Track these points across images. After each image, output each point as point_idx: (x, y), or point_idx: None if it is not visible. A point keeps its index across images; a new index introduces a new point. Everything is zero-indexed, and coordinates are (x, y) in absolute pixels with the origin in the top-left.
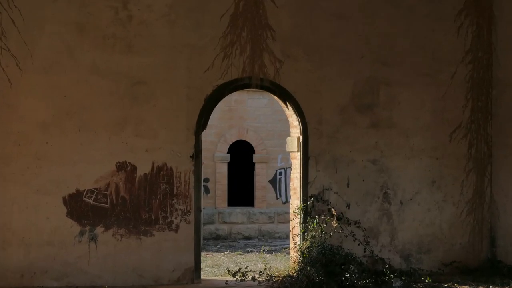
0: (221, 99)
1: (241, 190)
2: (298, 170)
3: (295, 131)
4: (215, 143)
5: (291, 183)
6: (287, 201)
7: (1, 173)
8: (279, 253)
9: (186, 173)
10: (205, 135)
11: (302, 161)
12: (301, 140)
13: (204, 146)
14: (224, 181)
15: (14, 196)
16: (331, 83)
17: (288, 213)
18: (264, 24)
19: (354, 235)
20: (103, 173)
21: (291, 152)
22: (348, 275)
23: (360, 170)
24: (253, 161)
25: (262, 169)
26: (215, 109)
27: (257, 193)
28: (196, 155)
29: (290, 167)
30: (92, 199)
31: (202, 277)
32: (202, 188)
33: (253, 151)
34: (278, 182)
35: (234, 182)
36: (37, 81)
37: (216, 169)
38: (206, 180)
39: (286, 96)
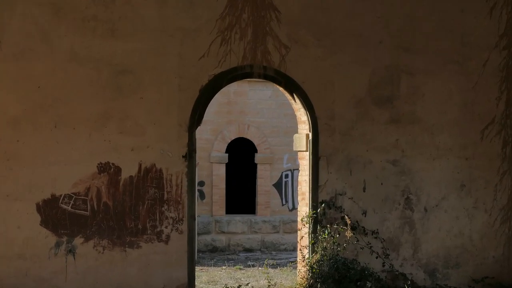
0: (218, 91)
1: (241, 195)
2: (307, 172)
3: (304, 128)
4: (211, 141)
5: (298, 187)
6: (294, 208)
7: None
8: (285, 267)
9: (178, 176)
10: (200, 132)
11: (312, 162)
12: (310, 137)
13: (198, 144)
14: (222, 184)
15: None
16: (345, 72)
17: (295, 221)
18: (267, 4)
19: (371, 246)
20: (83, 176)
21: (299, 151)
22: None
23: (378, 172)
24: (255, 161)
25: (266, 171)
26: (211, 102)
27: (260, 198)
28: (190, 155)
29: (297, 169)
30: (70, 205)
31: None
32: (197, 193)
33: (255, 151)
34: (284, 186)
35: (233, 186)
36: (6, 70)
37: (213, 171)
38: (201, 183)
39: (293, 87)
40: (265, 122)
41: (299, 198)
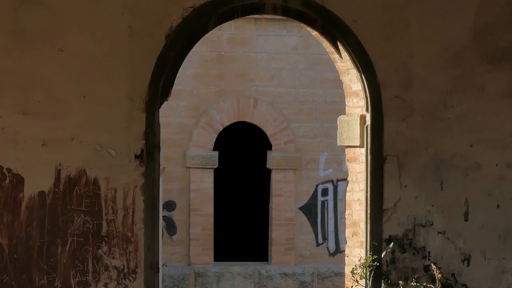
0: (201, 38)
1: (242, 228)
2: (363, 186)
3: (356, 104)
4: (188, 129)
5: (347, 212)
6: (338, 251)
7: None
8: None
9: (127, 192)
10: (169, 113)
11: (371, 167)
12: (368, 122)
13: (165, 135)
14: (208, 208)
15: None
16: (431, 6)
17: (340, 274)
18: None
19: None
20: None
21: (347, 147)
22: None
23: (491, 184)
24: (268, 166)
25: (287, 184)
26: (188, 58)
27: (276, 233)
28: (149, 155)
29: (345, 179)
30: None
31: None
32: (162, 224)
33: (268, 146)
34: (320, 209)
35: (227, 211)
36: None
37: (191, 182)
38: (170, 205)
39: (337, 30)
40: (285, 95)
41: (348, 232)
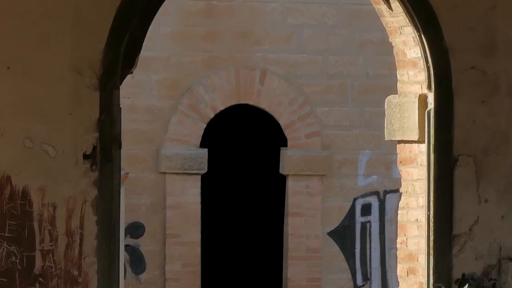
0: None
1: (243, 263)
2: (423, 200)
3: (413, 78)
4: (163, 116)
5: (399, 239)
6: None
7: None
8: None
9: (72, 209)
10: (135, 91)
11: (436, 171)
12: (431, 105)
13: (130, 125)
14: (192, 232)
15: None
16: None
17: None
18: None
19: None
20: None
21: (399, 143)
22: None
23: None
24: (282, 170)
25: (310, 196)
26: (165, 9)
27: (294, 271)
28: (104, 154)
29: (395, 191)
30: None
31: None
32: (124, 256)
33: (281, 141)
34: (360, 235)
35: (220, 236)
36: None
37: (167, 195)
38: (137, 229)
39: None
40: (307, 64)
41: (401, 269)
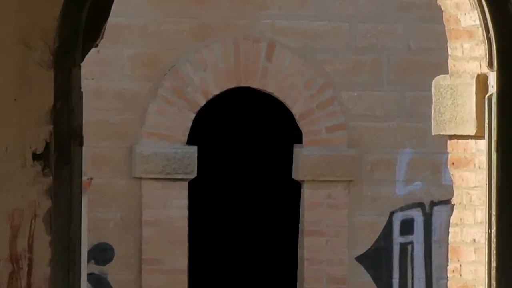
0: None
1: None
2: (482, 214)
3: (469, 53)
4: (138, 102)
5: (450, 266)
6: None
7: None
8: None
9: (18, 226)
10: (102, 70)
11: (500, 176)
12: (493, 89)
13: (95, 114)
14: (177, 256)
15: None
16: None
17: None
18: None
19: None
20: None
21: (450, 138)
22: None
23: None
24: (295, 175)
25: (332, 209)
26: None
27: None
28: (61, 153)
29: (445, 202)
30: None
31: None
32: None
33: (295, 135)
34: (399, 260)
35: (214, 261)
36: None
37: (143, 207)
38: (103, 252)
39: None
40: (328, 35)
41: None
